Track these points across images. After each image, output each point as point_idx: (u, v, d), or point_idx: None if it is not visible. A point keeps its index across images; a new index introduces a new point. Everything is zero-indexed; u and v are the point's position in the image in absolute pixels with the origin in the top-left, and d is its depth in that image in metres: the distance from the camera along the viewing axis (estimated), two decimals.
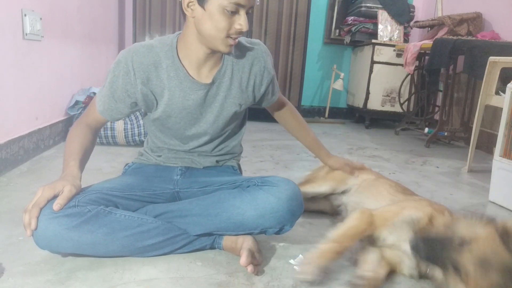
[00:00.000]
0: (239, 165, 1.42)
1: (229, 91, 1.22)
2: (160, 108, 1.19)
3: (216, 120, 1.24)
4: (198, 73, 1.18)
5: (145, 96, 1.17)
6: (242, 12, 1.06)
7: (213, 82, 1.19)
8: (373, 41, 3.78)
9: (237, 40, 1.12)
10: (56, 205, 1.01)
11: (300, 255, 1.20)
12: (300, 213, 1.15)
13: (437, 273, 1.04)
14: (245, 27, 1.07)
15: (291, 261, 1.18)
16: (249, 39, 1.27)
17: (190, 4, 1.07)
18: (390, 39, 3.88)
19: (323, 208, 1.57)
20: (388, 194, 1.34)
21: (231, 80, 1.21)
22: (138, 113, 2.47)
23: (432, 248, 1.00)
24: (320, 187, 1.53)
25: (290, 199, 1.11)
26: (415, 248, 1.03)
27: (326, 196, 1.55)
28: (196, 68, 1.17)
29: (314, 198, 1.57)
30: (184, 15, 1.12)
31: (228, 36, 1.08)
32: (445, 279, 1.01)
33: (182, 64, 1.16)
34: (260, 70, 1.24)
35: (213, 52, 1.14)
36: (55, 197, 1.03)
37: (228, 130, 1.31)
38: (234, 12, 1.05)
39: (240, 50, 1.21)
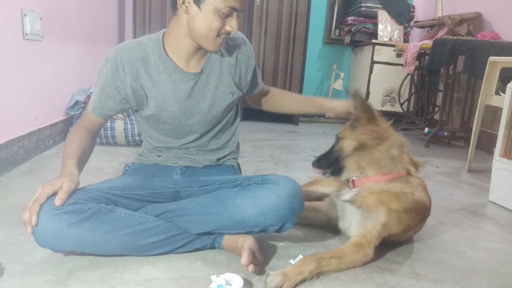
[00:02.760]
0: (238, 164, 1.43)
1: (220, 80, 1.26)
2: (152, 103, 1.21)
3: (210, 110, 1.26)
4: (187, 65, 1.22)
5: (135, 91, 1.19)
6: (234, 15, 1.12)
7: (202, 72, 1.23)
8: (373, 41, 3.78)
9: (225, 40, 1.16)
10: (57, 200, 1.02)
11: (300, 255, 1.20)
12: (301, 211, 1.16)
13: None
14: (235, 30, 1.13)
15: (291, 261, 1.18)
16: None
17: (185, 1, 1.10)
18: (390, 39, 3.88)
19: (321, 219, 1.46)
20: None
21: (220, 69, 1.25)
22: None
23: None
24: (325, 189, 1.53)
25: (291, 196, 1.12)
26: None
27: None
28: (185, 60, 1.21)
29: (315, 208, 1.51)
30: (175, 9, 1.15)
31: (218, 35, 1.13)
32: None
33: (170, 58, 1.19)
34: (245, 58, 1.30)
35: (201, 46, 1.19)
36: (54, 193, 1.04)
37: (222, 122, 1.32)
38: (228, 15, 1.11)
39: (226, 41, 1.24)
